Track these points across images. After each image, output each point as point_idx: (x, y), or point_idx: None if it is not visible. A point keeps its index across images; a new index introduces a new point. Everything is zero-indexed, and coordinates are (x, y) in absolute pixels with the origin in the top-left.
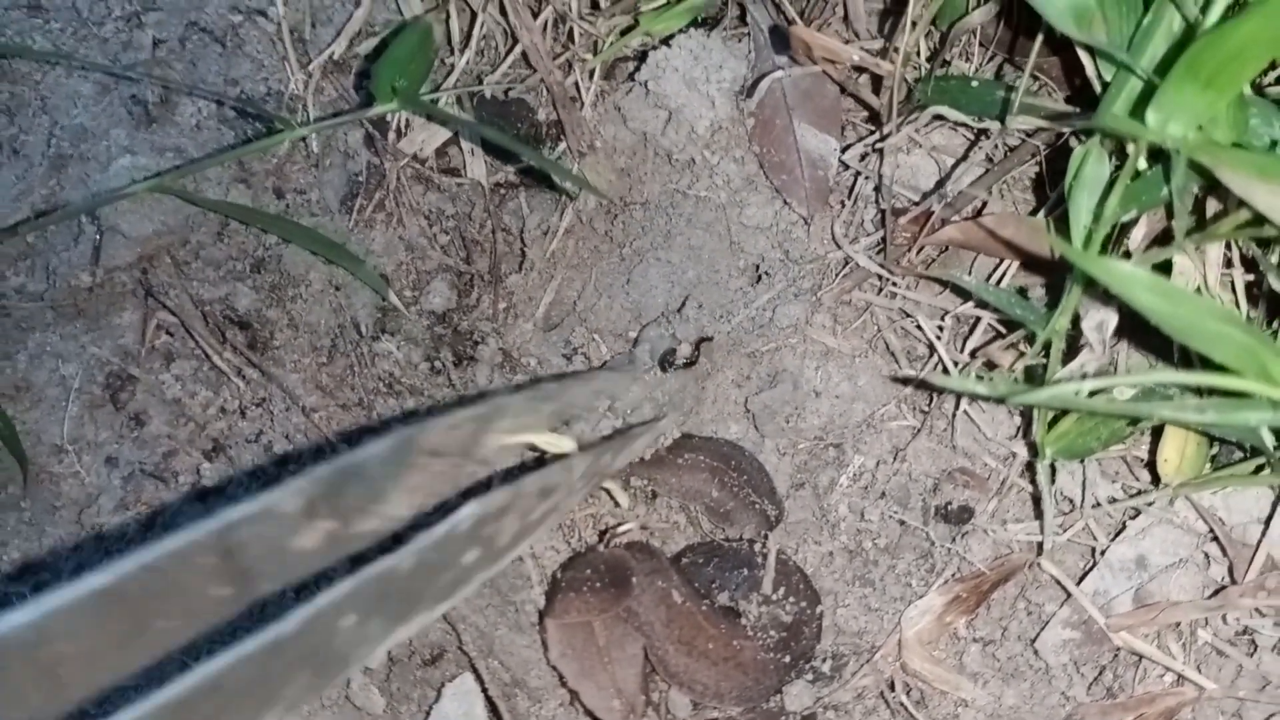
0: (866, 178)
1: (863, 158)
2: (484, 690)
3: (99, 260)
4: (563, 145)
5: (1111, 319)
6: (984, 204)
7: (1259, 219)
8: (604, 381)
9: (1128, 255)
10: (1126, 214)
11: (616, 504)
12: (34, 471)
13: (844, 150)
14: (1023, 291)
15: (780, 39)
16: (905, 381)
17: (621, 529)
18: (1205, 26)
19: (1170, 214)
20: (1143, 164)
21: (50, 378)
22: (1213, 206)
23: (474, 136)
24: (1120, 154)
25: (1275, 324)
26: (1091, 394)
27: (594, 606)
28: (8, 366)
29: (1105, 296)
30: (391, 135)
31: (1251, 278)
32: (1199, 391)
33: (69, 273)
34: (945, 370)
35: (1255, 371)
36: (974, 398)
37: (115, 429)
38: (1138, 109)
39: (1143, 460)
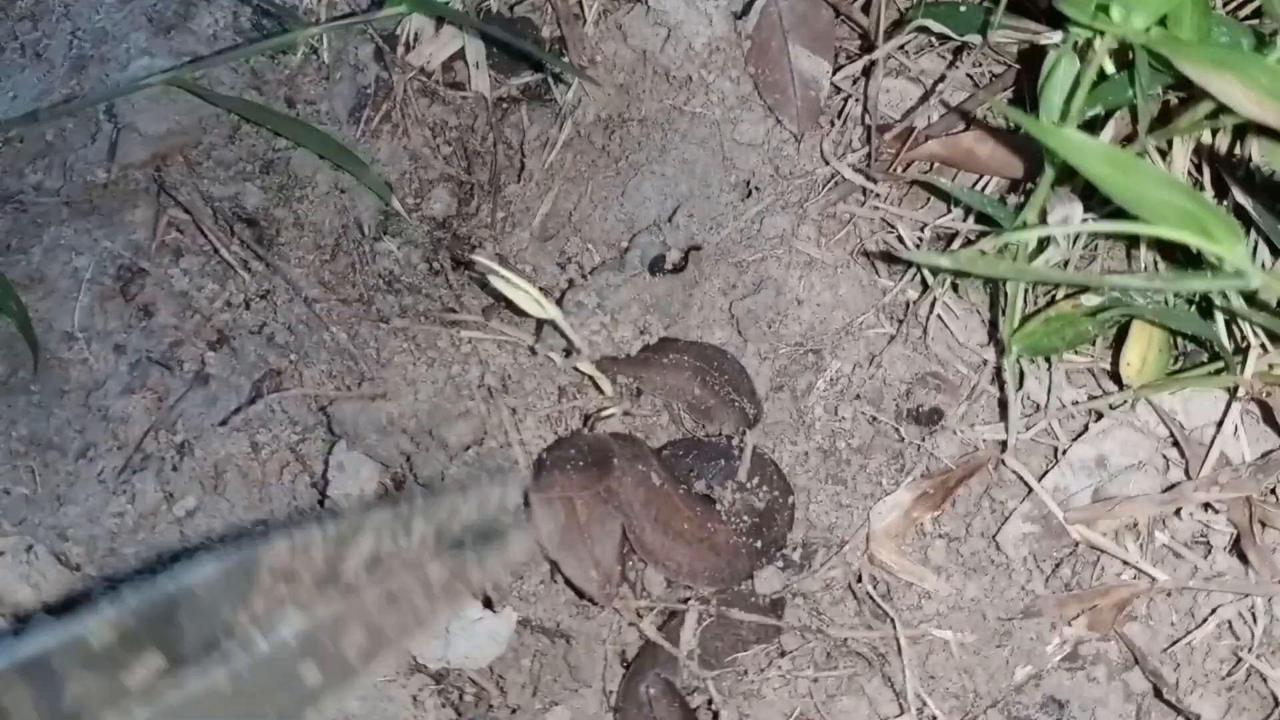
0: (856, 100)
1: (854, 81)
2: None
3: (114, 157)
4: (565, 60)
5: (1077, 212)
6: (967, 125)
7: (1216, 112)
8: (483, 495)
9: None
10: (1092, 109)
11: (601, 392)
12: (45, 357)
13: (835, 72)
14: (1001, 202)
15: None
16: (885, 289)
17: (605, 412)
18: None
19: (1135, 116)
20: (1111, 68)
21: (63, 270)
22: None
23: (479, 42)
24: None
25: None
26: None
27: (576, 484)
28: (23, 259)
29: (1070, 192)
30: (400, 49)
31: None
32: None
33: (85, 169)
34: (924, 281)
35: (1197, 231)
36: (948, 304)
37: (124, 319)
38: (1103, 9)
39: (1108, 372)
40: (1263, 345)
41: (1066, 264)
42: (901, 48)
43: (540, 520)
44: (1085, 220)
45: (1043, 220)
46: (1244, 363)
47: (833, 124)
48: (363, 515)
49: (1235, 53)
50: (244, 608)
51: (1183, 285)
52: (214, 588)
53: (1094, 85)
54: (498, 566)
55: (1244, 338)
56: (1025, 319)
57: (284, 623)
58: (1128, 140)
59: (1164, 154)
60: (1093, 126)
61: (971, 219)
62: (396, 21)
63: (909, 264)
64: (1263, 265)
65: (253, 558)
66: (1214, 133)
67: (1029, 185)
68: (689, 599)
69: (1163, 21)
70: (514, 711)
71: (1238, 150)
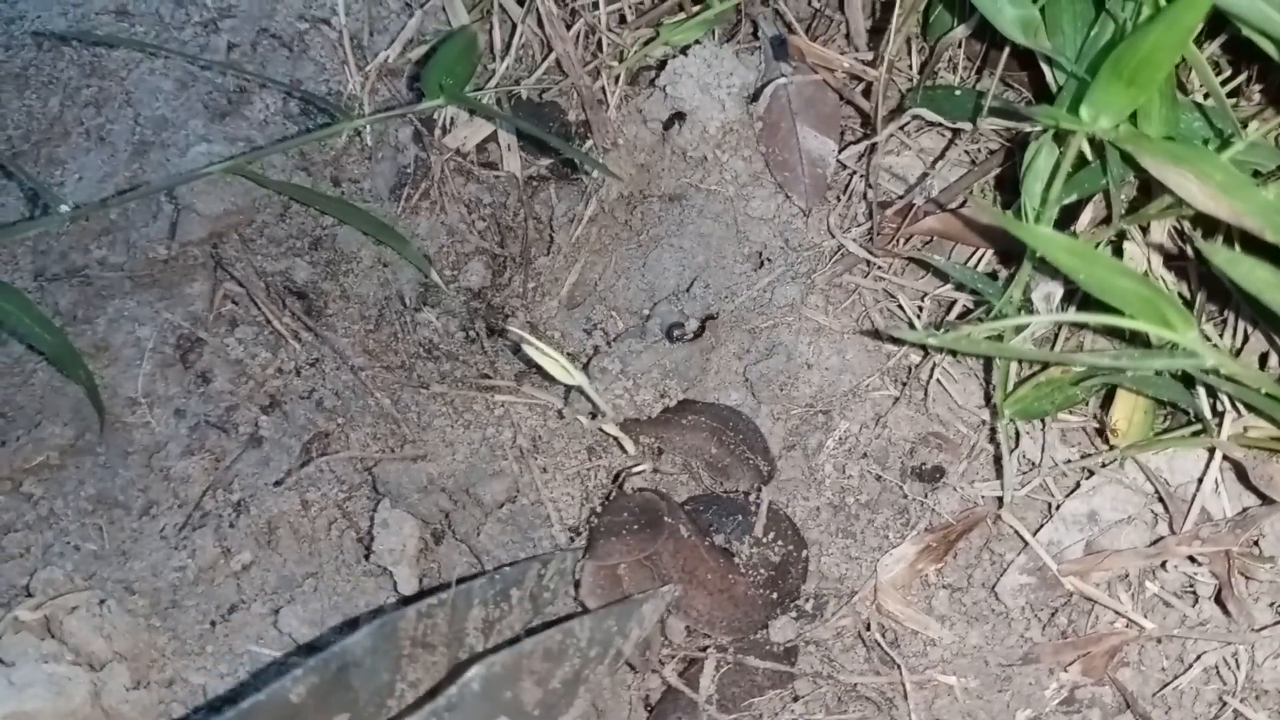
0: (861, 176)
1: (859, 158)
2: None
3: (175, 236)
4: (590, 143)
5: (1057, 291)
6: (965, 200)
7: (1179, 202)
8: (560, 562)
9: (1074, 236)
10: (1068, 197)
11: (625, 451)
12: (110, 421)
13: (841, 151)
14: (992, 276)
15: (782, 47)
16: (889, 353)
17: (635, 469)
18: (1129, 29)
19: (1109, 201)
20: (1089, 154)
21: (127, 339)
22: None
23: (511, 132)
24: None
25: (1224, 315)
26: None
27: (633, 548)
28: (89, 329)
29: (1053, 272)
30: (438, 132)
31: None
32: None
33: (147, 246)
34: (924, 347)
35: (1155, 319)
36: (947, 369)
37: (184, 385)
38: (1077, 106)
39: (1099, 431)
40: (1237, 410)
41: (1058, 334)
42: (902, 128)
43: (588, 588)
44: (1061, 303)
45: (1026, 295)
46: (1221, 425)
47: (839, 199)
48: (467, 586)
49: (1192, 149)
50: (397, 671)
51: (1145, 364)
52: (369, 651)
53: (1071, 173)
54: (636, 626)
55: (1223, 403)
56: (1019, 384)
57: (470, 671)
58: (1106, 221)
59: (1145, 230)
60: (1076, 208)
61: (967, 289)
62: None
63: (911, 328)
64: (1245, 333)
65: (393, 625)
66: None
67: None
68: (708, 647)
69: (1135, 115)
70: None
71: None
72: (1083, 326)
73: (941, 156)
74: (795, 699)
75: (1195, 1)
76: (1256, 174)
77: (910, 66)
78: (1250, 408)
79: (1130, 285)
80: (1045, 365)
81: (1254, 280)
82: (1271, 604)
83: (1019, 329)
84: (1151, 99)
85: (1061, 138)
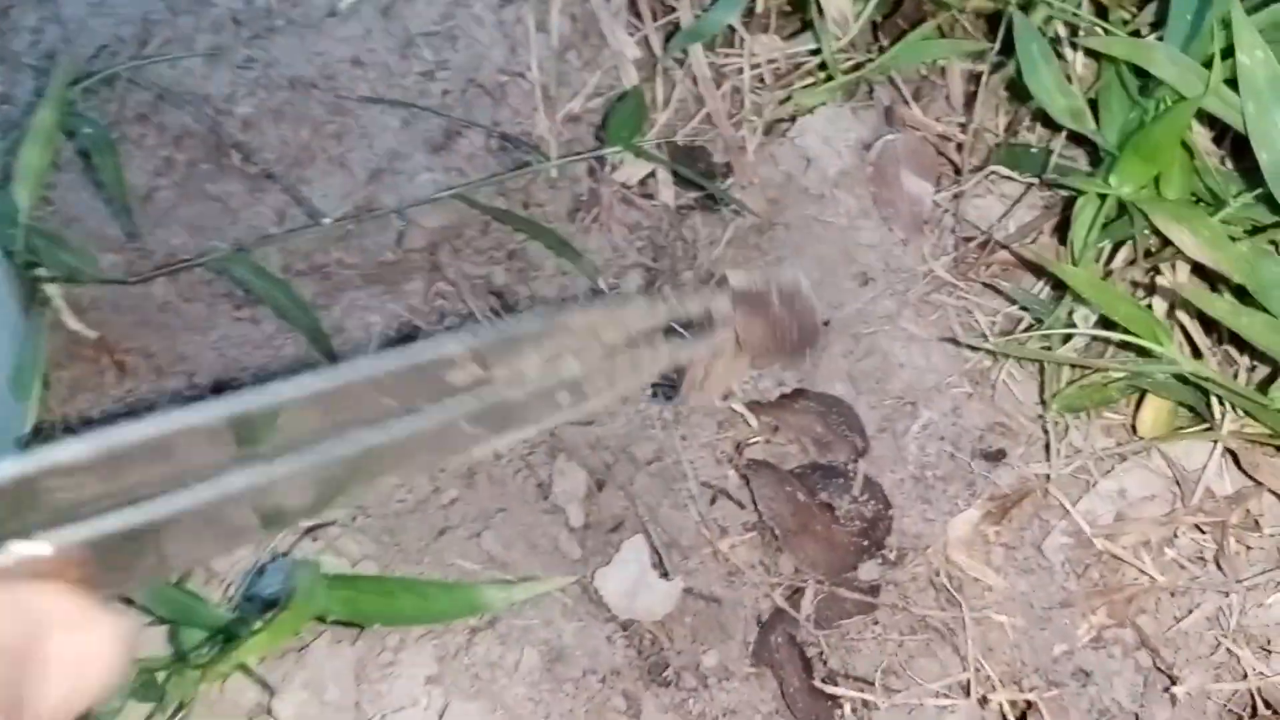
0: (952, 214)
1: (950, 199)
2: (651, 544)
3: (401, 244)
4: (730, 180)
5: (1093, 314)
6: (1033, 239)
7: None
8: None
9: (1110, 272)
10: (1103, 242)
11: (749, 426)
12: None
13: (936, 193)
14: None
15: (890, 113)
16: (966, 358)
17: (751, 440)
18: (1149, 119)
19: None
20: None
21: (359, 323)
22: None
23: (668, 171)
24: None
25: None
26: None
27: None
28: (327, 314)
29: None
30: (607, 168)
31: None
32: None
33: (377, 251)
34: (992, 354)
35: (1147, 334)
36: (1012, 373)
37: None
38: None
39: (1132, 425)
40: (1235, 411)
41: (1105, 349)
42: (986, 178)
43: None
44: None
45: (1070, 315)
46: (1222, 423)
47: (933, 232)
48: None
49: (1189, 209)
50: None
51: (1141, 368)
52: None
53: (1106, 224)
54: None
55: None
56: (1066, 385)
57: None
58: (1133, 262)
59: (1173, 268)
60: (1117, 248)
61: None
62: None
63: (985, 338)
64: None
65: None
66: None
67: None
68: (808, 579)
69: (1160, 180)
70: (679, 653)
71: None
72: (1123, 344)
73: (1018, 201)
74: (875, 623)
75: (1184, 108)
76: (1256, 229)
77: (998, 126)
78: (1245, 410)
79: (1129, 309)
80: (1086, 370)
81: (1216, 308)
82: (1262, 569)
83: (1065, 340)
84: (1171, 168)
85: (1102, 196)
